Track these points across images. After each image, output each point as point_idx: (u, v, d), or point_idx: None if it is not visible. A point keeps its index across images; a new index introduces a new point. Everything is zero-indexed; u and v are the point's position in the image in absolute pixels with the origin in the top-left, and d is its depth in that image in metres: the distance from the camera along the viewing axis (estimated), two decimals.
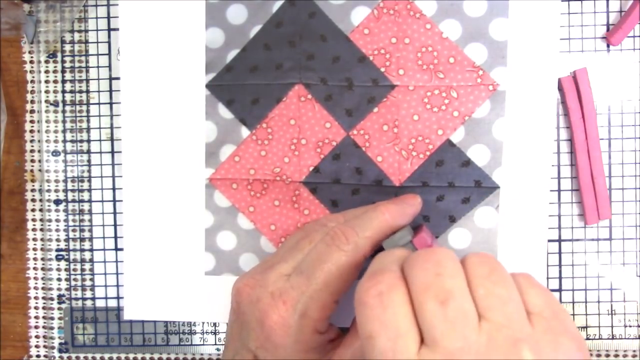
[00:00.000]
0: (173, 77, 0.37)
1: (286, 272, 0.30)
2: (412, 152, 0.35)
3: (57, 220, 0.39)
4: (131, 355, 0.39)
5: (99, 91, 0.38)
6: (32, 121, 0.39)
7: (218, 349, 0.38)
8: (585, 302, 0.37)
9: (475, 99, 0.35)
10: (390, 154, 0.36)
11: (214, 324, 0.38)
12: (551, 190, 0.37)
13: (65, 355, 0.39)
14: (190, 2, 0.36)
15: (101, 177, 0.38)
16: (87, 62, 0.38)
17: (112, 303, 0.39)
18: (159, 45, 0.36)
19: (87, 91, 0.38)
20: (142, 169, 0.37)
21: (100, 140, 0.38)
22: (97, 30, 0.38)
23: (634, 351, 0.37)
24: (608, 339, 0.37)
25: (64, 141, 0.38)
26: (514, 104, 0.35)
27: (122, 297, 0.38)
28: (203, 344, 0.38)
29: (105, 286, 0.39)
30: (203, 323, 0.38)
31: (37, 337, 0.39)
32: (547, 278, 0.37)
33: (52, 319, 0.39)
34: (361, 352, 0.30)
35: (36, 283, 0.39)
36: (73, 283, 0.39)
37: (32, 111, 0.39)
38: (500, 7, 0.35)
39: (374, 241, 0.30)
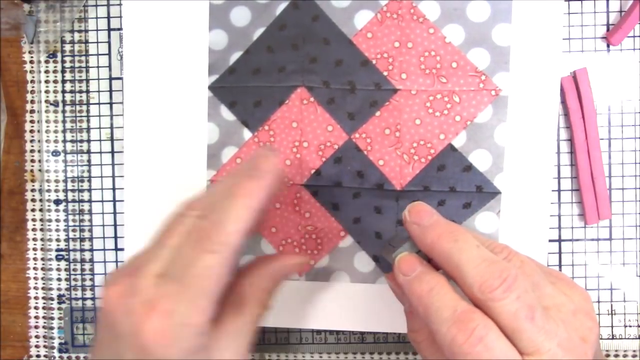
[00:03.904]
0: (176, 78, 0.37)
1: (156, 272, 0.27)
2: (413, 156, 0.36)
3: (57, 220, 0.39)
4: None
5: (99, 91, 0.38)
6: (32, 121, 0.39)
7: None
8: None
9: (478, 104, 0.35)
10: (391, 157, 0.36)
11: None
12: (551, 190, 0.37)
13: (65, 355, 0.39)
14: (194, 4, 0.36)
15: (101, 177, 0.38)
16: (87, 62, 0.38)
17: None
18: (162, 47, 0.37)
19: (87, 91, 0.38)
20: (144, 170, 0.37)
21: (100, 140, 0.38)
22: (97, 30, 0.38)
23: (634, 351, 0.37)
24: (608, 339, 0.37)
25: (64, 141, 0.38)
26: (517, 110, 0.35)
27: None
28: None
29: None
30: None
31: (37, 337, 0.39)
32: None
33: (52, 319, 0.39)
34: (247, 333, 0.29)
35: (36, 283, 0.39)
36: (73, 283, 0.39)
37: (32, 111, 0.39)
38: (503, 13, 0.35)
39: (242, 232, 0.27)
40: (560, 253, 0.37)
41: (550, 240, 0.37)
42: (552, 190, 0.37)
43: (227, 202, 0.28)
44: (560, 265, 0.37)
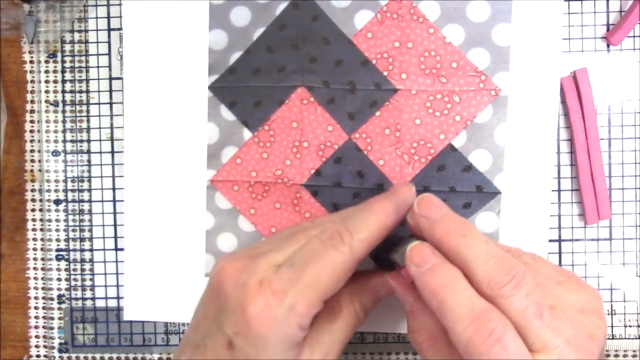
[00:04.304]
0: (176, 78, 0.37)
1: (277, 262, 0.29)
2: (413, 156, 0.36)
3: (57, 220, 0.39)
4: (131, 355, 0.39)
5: (99, 91, 0.38)
6: (32, 121, 0.39)
7: None
8: None
9: (478, 103, 0.35)
10: (391, 157, 0.36)
11: None
12: (551, 191, 0.37)
13: (65, 355, 0.39)
14: (194, 4, 0.36)
15: (101, 177, 0.38)
16: (87, 62, 0.38)
17: (112, 303, 0.39)
18: (162, 47, 0.36)
19: (87, 91, 0.38)
20: (143, 170, 0.37)
21: (100, 140, 0.38)
22: (97, 30, 0.38)
23: (634, 351, 0.37)
24: (608, 339, 0.37)
25: (64, 141, 0.38)
26: (516, 110, 0.35)
27: (122, 297, 0.38)
28: None
29: (105, 286, 0.39)
30: None
31: (37, 337, 0.39)
32: None
33: (52, 319, 0.39)
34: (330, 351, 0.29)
35: (36, 283, 0.39)
36: (73, 283, 0.39)
37: (32, 111, 0.39)
38: (503, 13, 0.35)
39: (369, 243, 0.29)
40: (560, 253, 0.37)
41: (550, 240, 0.37)
42: (552, 190, 0.37)
43: (363, 213, 0.29)
44: (560, 265, 0.37)
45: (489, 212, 0.36)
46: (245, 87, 0.36)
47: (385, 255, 0.31)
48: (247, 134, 0.36)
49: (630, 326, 0.37)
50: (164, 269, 0.37)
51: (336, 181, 0.36)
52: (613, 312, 0.37)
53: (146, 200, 0.37)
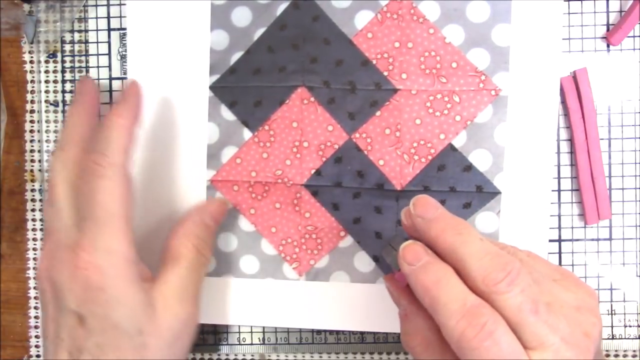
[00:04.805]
0: (177, 78, 0.37)
1: (68, 224, 0.30)
2: (413, 156, 0.36)
3: None
4: None
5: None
6: (32, 121, 0.39)
7: (218, 349, 0.38)
8: None
9: (478, 103, 0.35)
10: (392, 157, 0.36)
11: (214, 325, 0.38)
12: (551, 190, 0.37)
13: None
14: (196, 4, 0.36)
15: None
16: (87, 62, 0.38)
17: None
18: (164, 47, 0.37)
19: None
20: (144, 169, 0.37)
21: None
22: (97, 30, 0.38)
23: (634, 351, 0.37)
24: (608, 339, 0.37)
25: None
26: (516, 109, 0.35)
27: None
28: (203, 344, 0.38)
29: None
30: (202, 324, 0.38)
31: (37, 337, 0.39)
32: None
33: None
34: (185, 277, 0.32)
35: (36, 283, 0.39)
36: None
37: (32, 111, 0.39)
38: (502, 13, 0.35)
39: (125, 151, 0.31)
40: (560, 253, 0.37)
41: (550, 240, 0.37)
42: (552, 190, 0.37)
43: (107, 131, 0.31)
44: (560, 265, 0.37)
45: (489, 212, 0.36)
46: (246, 87, 0.36)
47: (384, 256, 0.31)
48: (247, 133, 0.36)
49: (630, 326, 0.37)
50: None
51: (336, 181, 0.36)
52: (613, 312, 0.37)
53: (147, 200, 0.37)
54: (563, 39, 0.36)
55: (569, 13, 0.36)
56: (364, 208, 0.36)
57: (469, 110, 0.35)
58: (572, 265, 0.37)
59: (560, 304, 0.25)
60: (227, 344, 0.38)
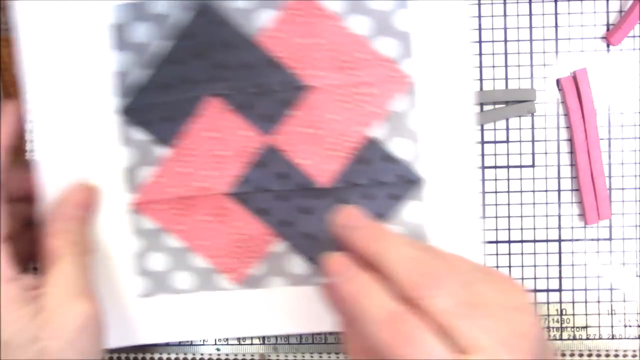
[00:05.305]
0: (82, 105, 0.35)
1: None
2: (334, 152, 0.35)
3: None
4: (131, 355, 0.39)
5: None
6: (31, 121, 0.39)
7: (218, 349, 0.39)
8: (585, 302, 0.37)
9: (390, 92, 0.34)
10: (313, 156, 0.35)
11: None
12: (551, 190, 0.37)
13: None
14: (93, 26, 0.35)
15: None
16: None
17: None
18: (65, 74, 0.35)
19: None
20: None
21: None
22: None
23: (634, 351, 0.37)
24: (608, 339, 0.37)
25: None
26: (427, 96, 0.34)
27: None
28: (203, 344, 0.39)
29: None
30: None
31: None
32: (547, 278, 0.37)
33: None
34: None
35: None
36: None
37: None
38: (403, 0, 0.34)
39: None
40: (560, 253, 0.37)
41: (550, 240, 0.37)
42: (552, 190, 0.37)
43: None
44: (560, 265, 0.37)
45: (416, 201, 0.35)
46: (155, 104, 0.35)
47: (320, 262, 0.30)
48: (163, 151, 0.35)
49: (630, 326, 0.37)
50: (97, 294, 0.34)
51: (261, 186, 0.35)
52: (613, 312, 0.37)
53: None
54: (563, 39, 0.36)
55: (568, 13, 0.36)
56: (292, 210, 0.35)
57: (383, 99, 0.34)
58: (572, 265, 0.37)
59: (493, 306, 0.25)
60: (227, 344, 0.38)
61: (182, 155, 0.35)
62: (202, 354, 0.39)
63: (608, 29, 0.36)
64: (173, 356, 0.39)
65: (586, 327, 0.37)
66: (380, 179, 0.35)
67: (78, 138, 0.35)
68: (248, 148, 0.35)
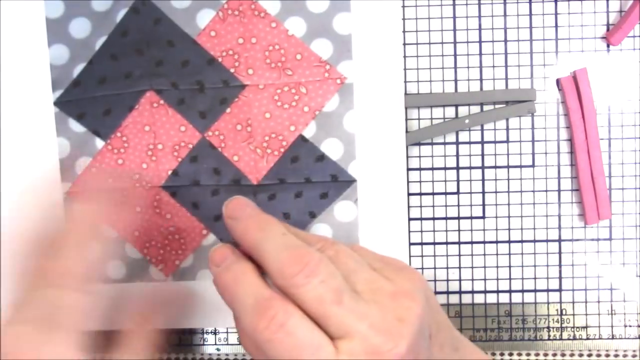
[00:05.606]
0: (19, 97, 0.36)
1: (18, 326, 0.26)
2: (266, 150, 0.36)
3: None
4: None
5: None
6: None
7: (218, 349, 0.39)
8: (585, 302, 0.37)
9: (324, 93, 0.35)
10: (245, 152, 0.36)
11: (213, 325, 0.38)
12: (551, 190, 0.37)
13: None
14: (29, 20, 0.35)
15: None
16: None
17: None
18: (2, 67, 0.36)
19: None
20: None
21: None
22: None
23: (634, 351, 0.37)
24: (608, 339, 0.37)
25: None
26: (362, 97, 0.35)
27: None
28: (203, 344, 0.39)
29: None
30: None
31: None
32: (547, 278, 0.37)
33: None
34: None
35: None
36: None
37: None
38: (342, 2, 0.35)
39: (80, 260, 0.28)
40: (560, 253, 0.37)
41: (550, 240, 0.37)
42: (552, 190, 0.37)
43: (60, 240, 0.28)
44: (560, 265, 0.37)
45: (347, 201, 0.36)
46: (93, 98, 0.36)
47: None
48: (99, 143, 0.36)
49: (630, 326, 0.37)
50: None
51: (194, 180, 0.36)
52: (613, 312, 0.37)
53: (4, 224, 0.36)
54: (563, 39, 0.36)
55: (568, 13, 0.36)
56: (223, 205, 0.36)
57: (317, 100, 0.35)
58: (572, 265, 0.37)
59: (373, 292, 0.25)
60: (227, 344, 0.38)
61: (119, 148, 0.36)
62: (202, 354, 0.39)
63: (608, 29, 0.36)
64: (173, 356, 0.39)
65: (586, 327, 0.37)
66: (312, 178, 0.36)
67: (15, 128, 0.36)
68: (183, 143, 0.36)
